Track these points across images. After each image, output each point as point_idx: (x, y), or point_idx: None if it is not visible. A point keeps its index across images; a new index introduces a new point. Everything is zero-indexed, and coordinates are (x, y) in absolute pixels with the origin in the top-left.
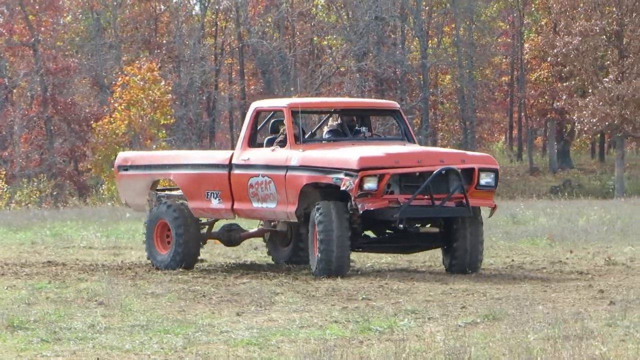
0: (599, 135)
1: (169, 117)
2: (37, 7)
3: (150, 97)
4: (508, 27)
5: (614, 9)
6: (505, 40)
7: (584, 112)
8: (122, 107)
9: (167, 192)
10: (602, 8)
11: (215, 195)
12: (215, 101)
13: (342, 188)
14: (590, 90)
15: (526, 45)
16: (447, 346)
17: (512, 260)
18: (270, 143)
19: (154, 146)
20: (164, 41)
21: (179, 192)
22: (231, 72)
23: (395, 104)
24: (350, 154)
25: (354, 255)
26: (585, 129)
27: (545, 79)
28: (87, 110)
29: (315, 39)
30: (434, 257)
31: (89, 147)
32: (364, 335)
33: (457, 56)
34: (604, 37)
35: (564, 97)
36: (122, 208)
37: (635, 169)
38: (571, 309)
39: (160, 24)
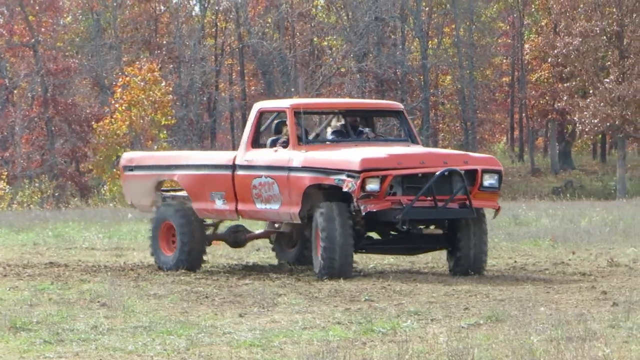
0: (600, 136)
1: (169, 117)
2: (37, 7)
3: (151, 98)
4: (508, 27)
5: (614, 10)
6: (505, 41)
7: (585, 113)
8: (123, 107)
9: (172, 193)
10: (602, 9)
11: (219, 197)
12: (215, 102)
13: (345, 189)
14: (591, 91)
15: (526, 46)
16: (450, 347)
17: (515, 262)
18: (273, 144)
19: (155, 147)
20: (164, 42)
21: (183, 193)
22: (231, 73)
23: (399, 105)
24: (352, 155)
25: (356, 257)
26: (587, 129)
27: (545, 80)
28: (87, 111)
29: (315, 39)
30: (436, 259)
31: (90, 148)
32: (366, 337)
33: (457, 57)
34: (605, 37)
35: (565, 97)
36: (124, 209)
37: (637, 170)
38: (574, 310)
39: (160, 24)
